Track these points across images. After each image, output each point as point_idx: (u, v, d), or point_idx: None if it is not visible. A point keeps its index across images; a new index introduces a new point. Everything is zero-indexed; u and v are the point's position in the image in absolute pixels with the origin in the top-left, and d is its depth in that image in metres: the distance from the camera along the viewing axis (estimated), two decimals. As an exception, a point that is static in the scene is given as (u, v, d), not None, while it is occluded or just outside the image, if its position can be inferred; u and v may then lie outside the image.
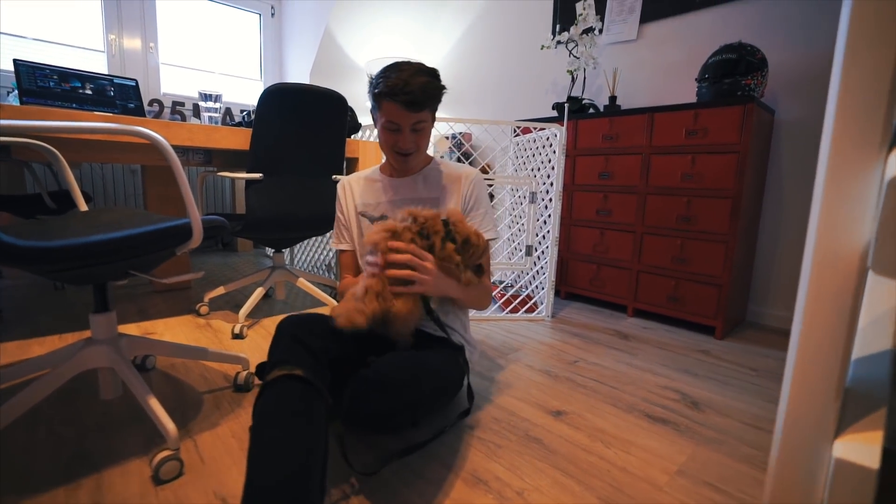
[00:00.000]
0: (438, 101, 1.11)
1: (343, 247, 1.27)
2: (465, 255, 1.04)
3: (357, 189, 1.24)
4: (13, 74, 2.48)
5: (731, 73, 1.80)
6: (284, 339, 0.91)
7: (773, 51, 1.92)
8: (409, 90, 1.02)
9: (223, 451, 0.98)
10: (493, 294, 2.02)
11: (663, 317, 2.13)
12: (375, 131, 2.38)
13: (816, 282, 0.43)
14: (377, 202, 1.21)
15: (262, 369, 0.87)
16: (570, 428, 1.14)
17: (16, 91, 1.67)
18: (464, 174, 1.22)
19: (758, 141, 1.83)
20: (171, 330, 1.71)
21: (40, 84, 1.56)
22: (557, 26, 2.68)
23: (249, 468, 0.71)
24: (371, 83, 1.10)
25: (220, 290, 1.91)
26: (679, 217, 1.93)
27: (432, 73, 1.09)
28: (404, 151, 1.11)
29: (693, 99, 2.08)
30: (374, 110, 1.11)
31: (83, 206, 1.22)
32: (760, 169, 1.96)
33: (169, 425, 0.92)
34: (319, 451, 0.75)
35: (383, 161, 1.25)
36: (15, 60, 1.55)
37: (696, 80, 1.97)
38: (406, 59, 1.10)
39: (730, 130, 1.77)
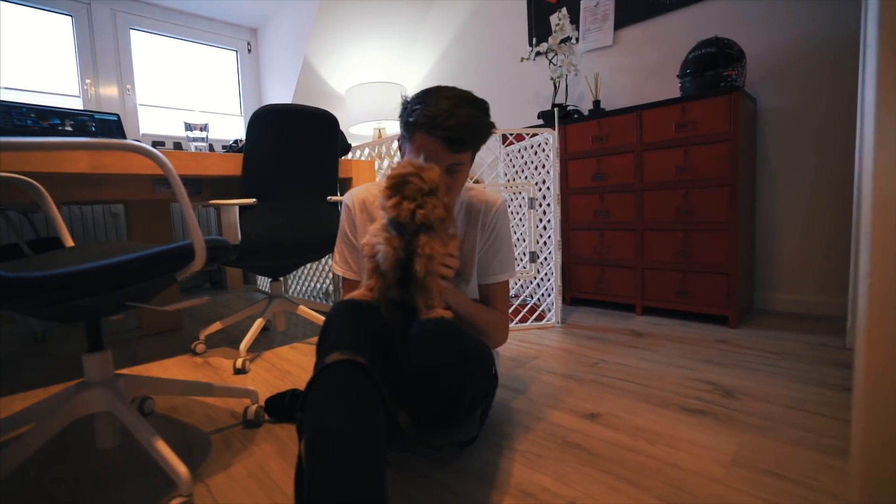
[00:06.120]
0: (483, 142, 0.95)
1: (350, 276, 1.09)
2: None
3: (374, 215, 1.04)
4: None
5: (712, 65, 1.84)
6: (345, 319, 0.82)
7: (748, 43, 1.97)
8: (450, 125, 0.85)
9: (241, 493, 0.89)
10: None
11: (674, 312, 2.10)
12: (367, 151, 2.35)
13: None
14: None
15: (319, 357, 0.78)
16: (609, 429, 1.07)
17: (-11, 136, 1.59)
18: (485, 206, 1.07)
19: (746, 129, 1.85)
20: (168, 372, 1.60)
21: (17, 123, 1.49)
22: (534, 39, 2.74)
23: (310, 458, 0.62)
24: (404, 107, 0.94)
25: (217, 326, 1.81)
26: (678, 210, 1.93)
27: (481, 107, 0.92)
28: None
29: (678, 95, 2.12)
30: (405, 140, 0.95)
31: (69, 242, 1.15)
32: (750, 157, 1.98)
33: (180, 468, 0.83)
34: (384, 447, 0.67)
35: None
36: (-13, 102, 1.49)
37: (677, 76, 2.01)
38: (448, 85, 0.93)
39: (719, 120, 1.79)
